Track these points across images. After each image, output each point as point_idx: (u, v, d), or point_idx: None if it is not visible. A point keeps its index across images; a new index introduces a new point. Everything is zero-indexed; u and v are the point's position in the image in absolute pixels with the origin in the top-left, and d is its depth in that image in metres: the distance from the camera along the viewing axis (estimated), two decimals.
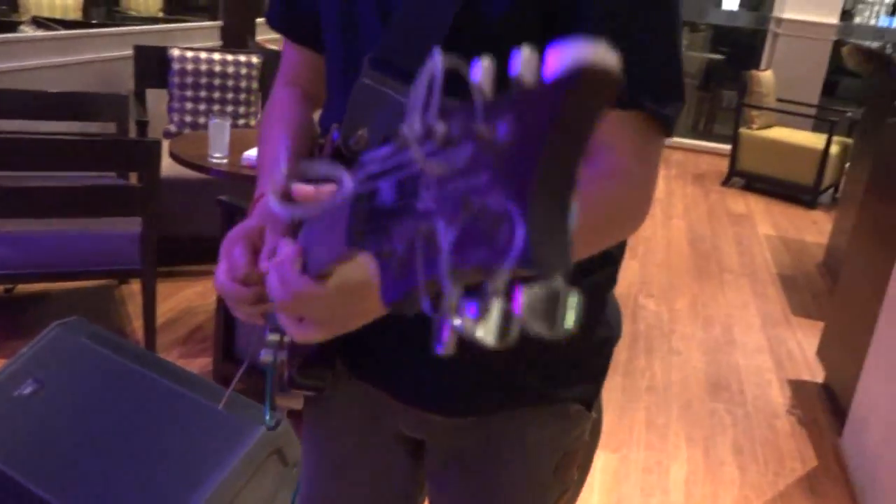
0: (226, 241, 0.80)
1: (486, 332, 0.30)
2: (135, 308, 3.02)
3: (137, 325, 2.83)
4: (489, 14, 0.71)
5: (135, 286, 3.21)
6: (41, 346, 1.88)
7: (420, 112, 0.33)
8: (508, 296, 0.29)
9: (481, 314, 0.30)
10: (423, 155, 0.31)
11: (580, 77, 0.24)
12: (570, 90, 0.25)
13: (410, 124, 0.33)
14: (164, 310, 2.96)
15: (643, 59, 0.70)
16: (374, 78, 0.72)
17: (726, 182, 5.93)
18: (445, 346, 0.33)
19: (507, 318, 0.29)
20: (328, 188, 0.60)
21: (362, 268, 0.58)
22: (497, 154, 0.27)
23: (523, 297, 0.28)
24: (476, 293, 0.30)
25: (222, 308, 2.42)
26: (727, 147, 6.04)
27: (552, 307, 0.28)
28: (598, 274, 0.86)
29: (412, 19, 0.72)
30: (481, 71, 0.30)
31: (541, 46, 0.59)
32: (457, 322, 0.31)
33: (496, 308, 0.29)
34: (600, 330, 0.89)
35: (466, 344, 0.85)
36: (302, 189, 0.61)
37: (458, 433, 0.89)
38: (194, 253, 3.43)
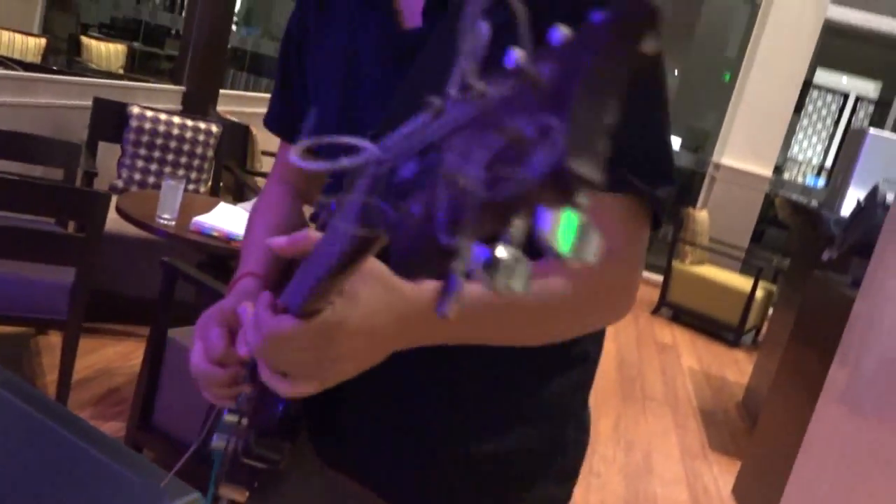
0: (200, 322, 0.79)
1: (498, 278, 0.30)
2: (50, 360, 2.89)
3: (51, 378, 2.70)
4: None
5: (53, 338, 3.07)
6: None
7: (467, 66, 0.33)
8: (527, 234, 0.29)
9: (494, 258, 0.30)
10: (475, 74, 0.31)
11: (623, 12, 0.27)
12: (613, 24, 0.27)
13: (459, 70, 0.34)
14: (81, 366, 2.83)
15: (633, 140, 0.72)
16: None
17: (656, 311, 6.09)
18: (448, 306, 0.33)
19: (520, 260, 0.30)
20: (303, 234, 0.60)
21: (350, 302, 0.57)
22: (538, 88, 0.28)
23: (549, 219, 0.28)
24: (490, 240, 0.30)
25: (146, 373, 2.33)
26: (659, 277, 6.23)
27: (576, 232, 0.28)
28: (577, 371, 0.87)
29: (413, 101, 0.74)
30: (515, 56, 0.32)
31: None
32: (462, 277, 0.31)
33: (510, 252, 0.30)
34: (578, 431, 0.90)
35: (445, 431, 0.83)
36: (275, 241, 0.61)
37: None
38: (123, 311, 3.32)
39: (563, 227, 0.28)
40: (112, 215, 2.59)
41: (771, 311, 5.60)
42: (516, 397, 0.83)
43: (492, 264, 0.30)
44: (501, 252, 0.30)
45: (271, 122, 1.00)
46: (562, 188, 0.27)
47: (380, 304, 0.59)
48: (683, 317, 6.04)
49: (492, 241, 0.30)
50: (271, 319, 0.58)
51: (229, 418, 0.86)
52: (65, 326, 2.49)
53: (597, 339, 0.89)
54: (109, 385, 2.85)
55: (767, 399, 3.63)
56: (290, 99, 0.95)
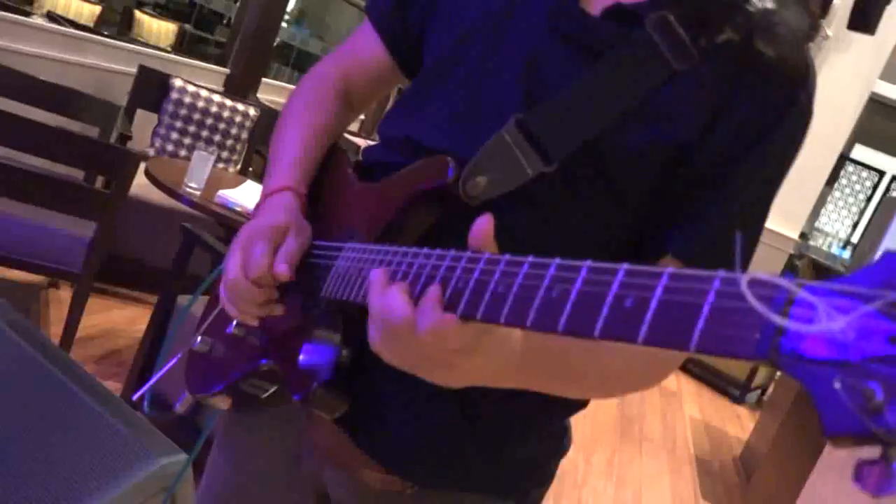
0: (244, 235, 0.79)
1: None
2: (57, 314, 2.90)
3: (55, 330, 2.71)
4: (632, 142, 0.75)
5: (63, 293, 3.09)
6: None
7: None
8: None
9: None
10: None
11: None
12: None
13: None
14: (86, 324, 2.84)
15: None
16: (515, 139, 0.74)
17: None
18: None
19: None
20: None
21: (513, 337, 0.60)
22: None
23: None
24: None
25: (150, 335, 2.34)
26: None
27: None
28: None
29: (568, 112, 0.74)
30: None
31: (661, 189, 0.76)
32: None
33: None
34: (560, 440, 0.90)
35: (439, 411, 0.81)
36: None
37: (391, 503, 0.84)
38: (135, 277, 3.33)
39: None
40: (140, 180, 2.61)
41: (778, 373, 5.52)
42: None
43: None
44: None
45: (374, 8, 0.94)
46: None
47: (507, 345, 0.62)
48: (691, 366, 5.97)
49: None
50: (439, 316, 0.56)
51: (237, 331, 0.86)
52: (77, 280, 2.50)
53: None
54: (112, 346, 2.86)
55: (765, 457, 3.57)
56: (407, 6, 0.91)
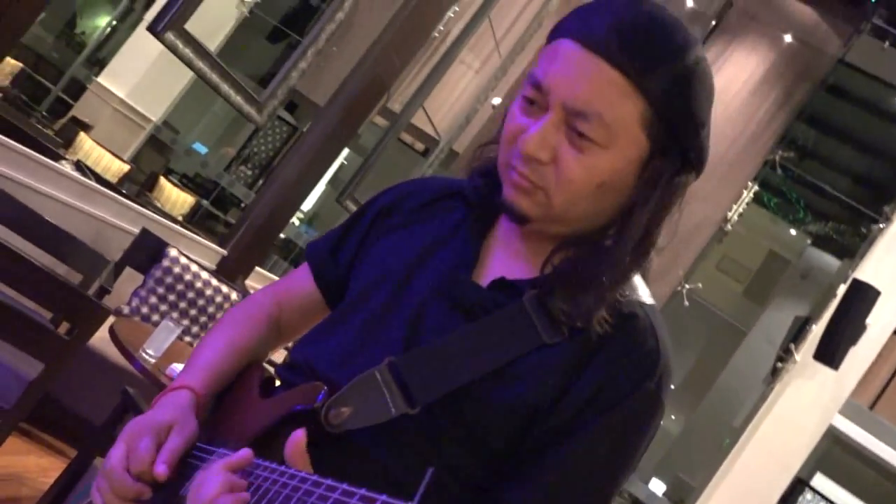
0: (132, 428, 0.84)
1: None
2: None
3: None
4: (493, 399, 0.82)
5: None
6: None
7: None
8: None
9: None
10: None
11: None
12: None
13: None
14: None
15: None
16: (384, 378, 0.81)
17: None
18: None
19: None
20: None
21: None
22: None
23: None
24: None
25: (55, 491, 2.26)
26: None
27: None
28: None
29: (440, 363, 0.82)
30: None
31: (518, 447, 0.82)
32: None
33: None
34: None
35: None
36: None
37: None
38: (63, 426, 3.26)
39: None
40: (101, 333, 2.65)
41: None
42: None
43: None
44: None
45: (313, 248, 1.06)
46: None
47: None
48: None
49: None
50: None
51: None
52: (5, 416, 2.46)
53: None
54: (13, 493, 2.74)
55: None
56: (338, 250, 1.03)
